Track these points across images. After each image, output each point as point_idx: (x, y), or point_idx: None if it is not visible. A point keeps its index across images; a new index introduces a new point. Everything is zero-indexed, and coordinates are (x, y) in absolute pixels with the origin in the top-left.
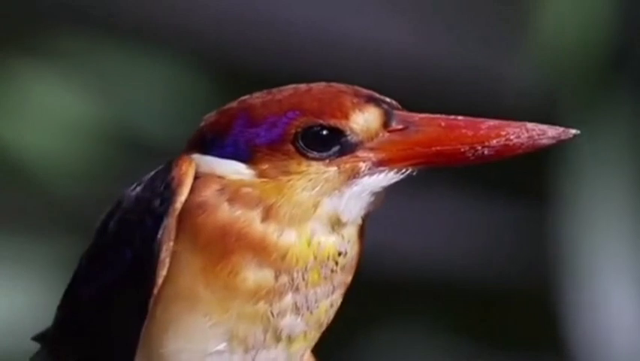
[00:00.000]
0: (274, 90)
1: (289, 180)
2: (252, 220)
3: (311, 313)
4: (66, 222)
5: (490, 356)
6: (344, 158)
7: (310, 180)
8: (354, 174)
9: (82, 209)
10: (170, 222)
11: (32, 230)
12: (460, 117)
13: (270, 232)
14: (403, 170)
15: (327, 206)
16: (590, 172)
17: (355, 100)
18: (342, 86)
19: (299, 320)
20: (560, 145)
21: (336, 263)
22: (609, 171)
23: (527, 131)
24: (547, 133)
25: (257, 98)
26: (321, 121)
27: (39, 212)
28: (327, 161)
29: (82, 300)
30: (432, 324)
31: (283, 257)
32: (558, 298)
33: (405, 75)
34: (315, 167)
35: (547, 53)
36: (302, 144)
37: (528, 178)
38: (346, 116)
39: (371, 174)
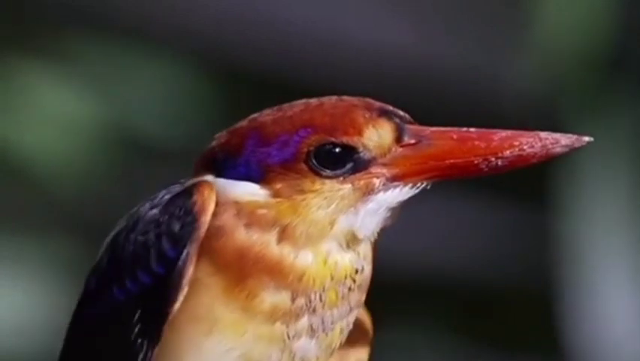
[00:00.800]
0: (285, 106)
1: (304, 199)
2: (268, 243)
3: (326, 335)
4: (66, 222)
5: (490, 357)
6: (358, 175)
7: (325, 198)
8: (368, 191)
9: (82, 209)
10: (193, 249)
11: (32, 230)
12: (472, 129)
13: (286, 253)
14: (418, 184)
15: (343, 223)
16: (590, 174)
17: (367, 115)
18: (353, 100)
19: (313, 342)
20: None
21: (354, 281)
22: (609, 173)
23: (540, 140)
24: (561, 141)
25: (267, 115)
26: (333, 139)
27: (39, 212)
28: (341, 178)
29: (92, 320)
30: (432, 325)
31: (300, 279)
32: (558, 300)
33: (405, 75)
34: (329, 185)
35: (548, 53)
36: (315, 163)
37: (529, 180)
38: (359, 133)
39: (386, 190)
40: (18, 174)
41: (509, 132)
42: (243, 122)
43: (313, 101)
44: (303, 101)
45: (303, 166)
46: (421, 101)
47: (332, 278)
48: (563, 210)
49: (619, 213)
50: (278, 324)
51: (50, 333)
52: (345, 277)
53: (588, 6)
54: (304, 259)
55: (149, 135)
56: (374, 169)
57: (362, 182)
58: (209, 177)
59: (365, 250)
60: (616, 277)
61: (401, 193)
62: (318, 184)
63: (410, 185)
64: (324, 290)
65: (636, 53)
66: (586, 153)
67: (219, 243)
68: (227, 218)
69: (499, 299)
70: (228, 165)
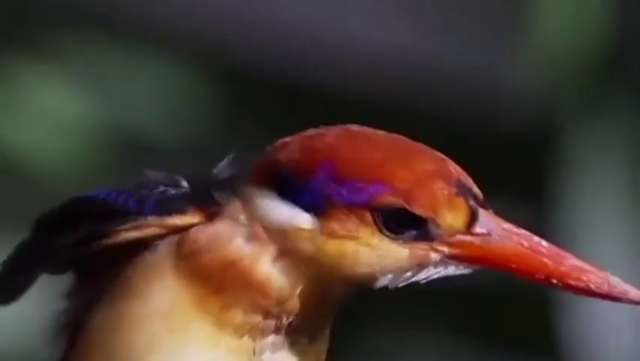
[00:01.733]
0: (369, 135)
1: (356, 250)
2: (259, 258)
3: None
4: None
5: (490, 357)
6: (418, 243)
7: (378, 256)
8: (423, 263)
9: None
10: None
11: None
12: (544, 243)
13: (277, 274)
14: (470, 268)
15: (381, 282)
16: (590, 173)
17: (447, 191)
18: (436, 161)
19: (281, 356)
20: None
21: (335, 307)
22: (608, 172)
23: (609, 285)
24: (628, 294)
25: (347, 144)
26: (408, 208)
27: (38, 212)
28: (401, 241)
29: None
30: (432, 325)
31: (282, 302)
32: (557, 300)
33: (405, 75)
34: (387, 244)
35: (547, 53)
36: (381, 219)
37: (528, 180)
38: (435, 211)
39: (439, 265)
40: (17, 174)
41: (580, 263)
42: (318, 142)
43: (400, 145)
44: (392, 139)
45: (368, 216)
46: (421, 101)
47: (317, 302)
48: (562, 210)
49: (618, 213)
50: (245, 338)
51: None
52: (331, 307)
53: (588, 6)
54: (294, 288)
55: (148, 135)
56: (436, 244)
57: (420, 252)
58: (270, 201)
59: None
60: (615, 274)
61: (450, 270)
62: (376, 239)
63: (464, 268)
64: (303, 316)
65: (636, 53)
66: (585, 152)
67: (207, 257)
68: (231, 238)
69: (498, 299)
70: (294, 187)
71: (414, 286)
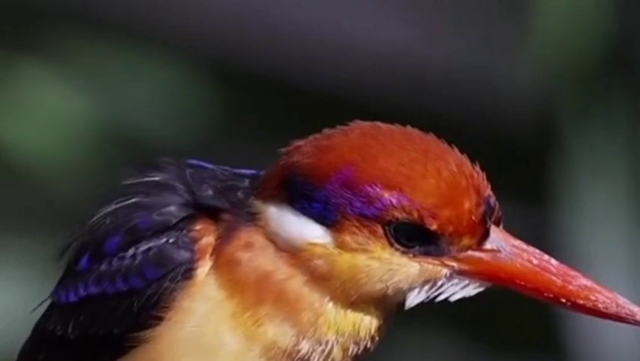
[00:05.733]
0: (393, 135)
1: (368, 266)
2: (293, 277)
3: None
4: (65, 221)
5: (490, 357)
6: (429, 258)
7: (390, 270)
8: (434, 278)
9: (81, 209)
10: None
11: (32, 230)
12: (553, 261)
13: (308, 293)
14: (481, 286)
15: (393, 298)
16: (589, 173)
17: (474, 213)
18: (466, 172)
19: None
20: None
21: (372, 340)
22: (608, 172)
23: (617, 306)
24: (636, 316)
25: (367, 146)
26: (426, 224)
27: (38, 212)
28: (411, 255)
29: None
30: (432, 324)
31: (314, 321)
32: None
33: (406, 75)
34: (398, 258)
35: (547, 54)
36: (393, 233)
37: (527, 178)
38: (456, 230)
39: (449, 281)
40: (17, 174)
41: (589, 282)
42: (333, 142)
43: (427, 145)
44: (416, 141)
45: (379, 229)
46: (421, 101)
47: (353, 331)
48: (561, 209)
49: (617, 212)
50: None
51: None
52: (366, 335)
53: (588, 7)
54: (328, 304)
55: (148, 135)
56: (446, 260)
57: (431, 267)
58: (277, 211)
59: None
60: (614, 277)
61: (462, 290)
62: (387, 253)
63: (473, 285)
64: (337, 342)
65: (635, 54)
66: (584, 152)
67: (240, 271)
68: (258, 252)
69: (499, 300)
70: (305, 192)
71: None
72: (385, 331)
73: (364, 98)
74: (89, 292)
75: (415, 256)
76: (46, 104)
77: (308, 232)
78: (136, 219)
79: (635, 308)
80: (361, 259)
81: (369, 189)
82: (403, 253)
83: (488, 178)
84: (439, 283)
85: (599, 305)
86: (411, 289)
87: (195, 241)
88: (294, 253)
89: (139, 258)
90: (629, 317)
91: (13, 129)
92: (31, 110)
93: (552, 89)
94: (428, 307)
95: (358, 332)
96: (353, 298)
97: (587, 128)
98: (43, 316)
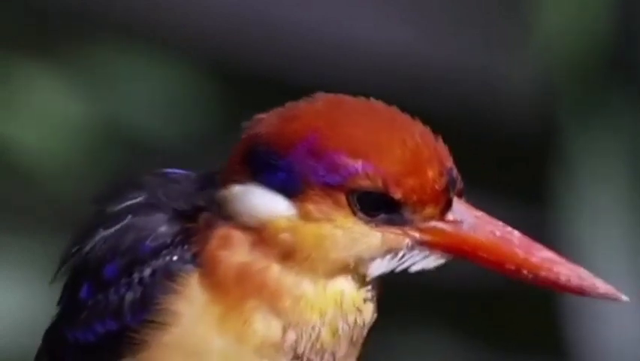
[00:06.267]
0: (356, 105)
1: (332, 235)
2: (270, 262)
3: None
4: (65, 221)
5: (490, 357)
6: (391, 228)
7: (352, 239)
8: (395, 247)
9: (81, 209)
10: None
11: (32, 230)
12: (516, 232)
13: (285, 275)
14: (442, 258)
15: (359, 268)
16: (589, 173)
17: (438, 182)
18: (429, 141)
19: None
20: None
21: (360, 311)
22: (608, 172)
23: (579, 278)
24: (598, 289)
25: (331, 114)
26: (387, 192)
27: (38, 212)
28: (373, 224)
29: (73, 343)
30: (432, 324)
31: (296, 304)
32: (559, 299)
33: (406, 75)
34: (361, 227)
35: (548, 54)
36: (356, 202)
37: (528, 179)
38: (420, 199)
39: (410, 251)
40: (17, 173)
41: (551, 255)
42: (298, 110)
43: (390, 114)
44: (377, 108)
45: (342, 198)
46: (421, 101)
47: (336, 306)
48: (562, 210)
49: (618, 212)
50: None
51: None
52: (351, 308)
53: (588, 7)
54: (305, 285)
55: (148, 135)
56: (408, 229)
57: (392, 236)
58: (239, 188)
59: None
60: (616, 276)
61: (423, 261)
62: (350, 222)
63: (435, 256)
64: (323, 323)
65: (635, 54)
66: (585, 151)
67: (220, 270)
68: (235, 245)
69: (499, 299)
70: (269, 163)
71: (414, 286)
72: (375, 305)
73: (364, 98)
74: (108, 328)
75: (377, 225)
76: (47, 104)
77: (272, 204)
78: (130, 242)
79: (597, 281)
80: (325, 228)
81: (334, 156)
82: (366, 222)
83: (487, 177)
84: (401, 253)
85: (562, 278)
86: (373, 258)
87: (196, 250)
88: (260, 230)
89: (148, 284)
90: (591, 290)
91: (13, 129)
92: (31, 110)
93: (552, 89)
94: (428, 307)
95: (341, 307)
96: (324, 270)
97: (587, 128)
98: (50, 352)
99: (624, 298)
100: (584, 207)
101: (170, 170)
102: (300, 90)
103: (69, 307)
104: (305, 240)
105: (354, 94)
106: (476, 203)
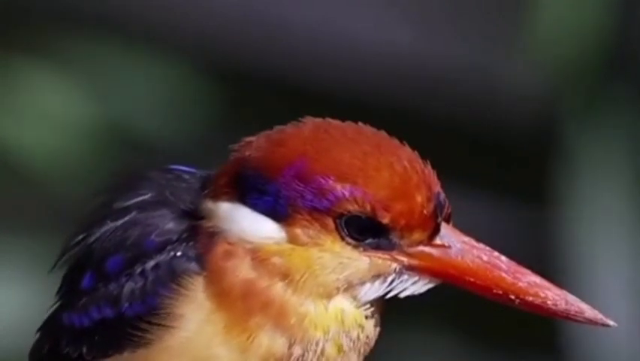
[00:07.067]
0: (344, 130)
1: (320, 258)
2: (274, 283)
3: None
4: (66, 222)
5: (490, 357)
6: (379, 252)
7: (341, 263)
8: (383, 272)
9: (81, 208)
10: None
11: (32, 230)
12: (503, 258)
13: (289, 296)
14: (430, 283)
15: (349, 291)
16: (590, 173)
17: (426, 208)
18: (417, 166)
19: None
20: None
21: (362, 328)
22: (608, 172)
23: (566, 303)
24: (584, 313)
25: (319, 139)
26: (377, 217)
27: (38, 212)
28: (362, 249)
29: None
30: (432, 324)
31: (301, 322)
32: None
33: (406, 75)
34: (349, 252)
35: (548, 53)
36: (343, 227)
37: (529, 179)
38: (408, 224)
39: (399, 276)
40: (17, 173)
41: (538, 279)
42: (290, 133)
43: (378, 139)
44: (365, 133)
45: (330, 223)
46: (421, 101)
47: (338, 323)
48: (562, 209)
49: (618, 212)
50: None
51: None
52: (353, 325)
53: (588, 7)
54: (307, 304)
55: (148, 135)
56: (397, 254)
57: (380, 261)
58: (227, 207)
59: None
60: (616, 278)
61: (412, 286)
62: (338, 246)
63: (423, 281)
64: (326, 340)
65: (635, 54)
66: (585, 152)
67: (226, 281)
68: (238, 260)
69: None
70: (256, 187)
71: None
72: (380, 318)
73: (364, 98)
74: (105, 315)
75: (365, 250)
76: (46, 104)
77: (260, 228)
78: (135, 237)
79: (584, 306)
80: (313, 253)
81: (321, 181)
82: (354, 247)
83: (487, 177)
84: (389, 278)
85: (549, 302)
86: (362, 282)
87: (201, 251)
88: (255, 250)
89: (150, 276)
90: (577, 314)
91: (13, 129)
92: (31, 110)
93: (552, 89)
94: (427, 307)
95: (344, 324)
96: (317, 292)
97: (587, 127)
98: (47, 337)
99: (611, 323)
100: (584, 206)
101: (175, 166)
102: (300, 90)
103: (68, 295)
104: (295, 264)
105: (354, 94)
106: (476, 203)
